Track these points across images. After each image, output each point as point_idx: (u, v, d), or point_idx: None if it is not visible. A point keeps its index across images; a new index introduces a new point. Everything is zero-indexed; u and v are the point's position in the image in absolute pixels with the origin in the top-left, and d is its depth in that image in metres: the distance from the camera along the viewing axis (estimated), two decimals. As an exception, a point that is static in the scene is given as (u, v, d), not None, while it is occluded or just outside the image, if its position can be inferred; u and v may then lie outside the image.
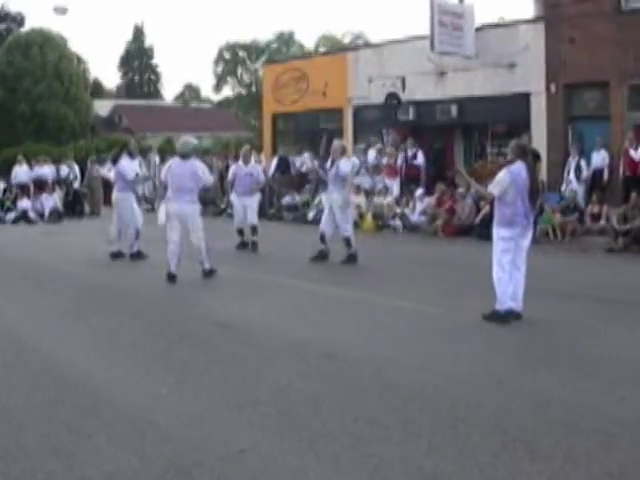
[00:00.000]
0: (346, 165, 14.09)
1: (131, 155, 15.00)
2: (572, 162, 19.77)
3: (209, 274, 12.49)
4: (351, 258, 13.96)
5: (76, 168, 28.62)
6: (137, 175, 15.05)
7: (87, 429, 5.54)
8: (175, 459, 4.98)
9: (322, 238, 14.16)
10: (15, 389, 6.54)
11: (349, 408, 5.95)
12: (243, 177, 16.05)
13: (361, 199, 21.53)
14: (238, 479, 4.72)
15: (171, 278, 12.19)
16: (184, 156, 12.46)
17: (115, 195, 14.91)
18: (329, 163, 14.21)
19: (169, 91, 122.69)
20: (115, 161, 14.91)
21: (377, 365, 7.21)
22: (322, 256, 14.11)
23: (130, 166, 14.79)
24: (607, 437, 5.30)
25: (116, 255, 14.71)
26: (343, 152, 14.25)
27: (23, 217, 23.91)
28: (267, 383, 6.63)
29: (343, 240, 13.99)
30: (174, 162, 12.62)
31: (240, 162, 16.35)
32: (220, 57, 67.29)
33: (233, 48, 65.71)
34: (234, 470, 4.83)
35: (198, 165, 12.58)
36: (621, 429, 5.46)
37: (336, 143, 14.40)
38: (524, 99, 22.17)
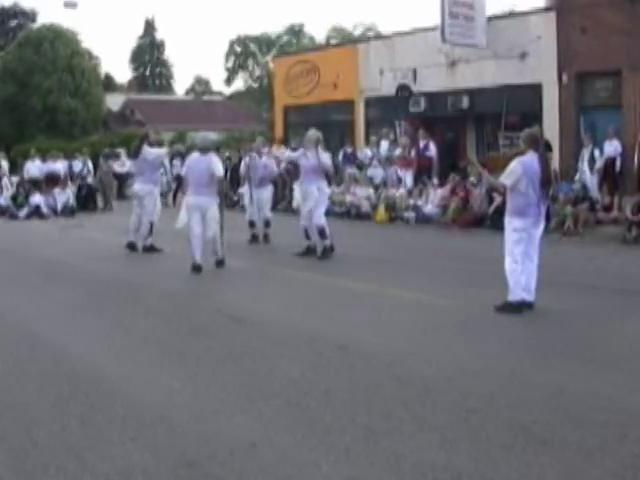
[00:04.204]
0: (327, 156, 14.09)
1: (151, 145, 15.00)
2: (585, 152, 19.68)
3: (220, 264, 12.68)
4: (326, 251, 13.67)
5: (89, 163, 28.70)
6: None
7: (99, 424, 5.55)
8: (187, 453, 4.99)
9: (306, 233, 14.00)
10: (28, 384, 6.56)
11: (361, 401, 5.94)
12: (258, 169, 16.02)
13: (370, 191, 21.54)
14: (250, 473, 4.71)
15: (196, 269, 12.33)
16: (203, 150, 12.70)
17: (139, 187, 14.80)
18: (299, 153, 14.17)
19: (181, 85, 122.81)
20: (136, 153, 14.86)
21: (390, 358, 7.19)
22: (309, 252, 13.91)
23: (157, 151, 14.87)
24: (620, 429, 5.27)
25: (131, 246, 14.77)
26: (317, 143, 13.85)
27: (36, 212, 23.97)
28: (279, 376, 6.62)
29: (317, 232, 13.69)
30: (193, 157, 12.81)
31: (254, 154, 16.29)
32: (231, 50, 67.39)
33: (244, 41, 65.78)
34: (245, 464, 4.82)
35: (213, 159, 12.77)
36: (634, 421, 5.43)
37: (311, 133, 14.07)
38: (536, 89, 22.09)
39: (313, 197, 13.66)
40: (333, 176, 13.99)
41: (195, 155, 12.81)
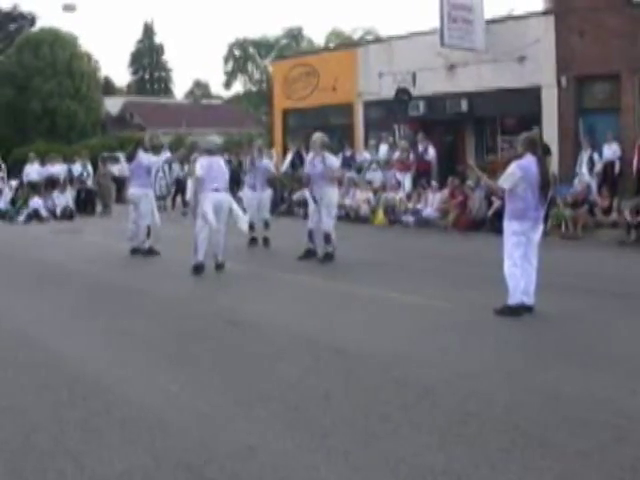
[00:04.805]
0: (334, 160, 13.99)
1: (146, 150, 15.06)
2: (584, 155, 19.70)
3: (221, 267, 12.73)
4: (328, 256, 13.64)
5: (89, 166, 28.70)
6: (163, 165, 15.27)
7: (98, 428, 5.54)
8: (185, 457, 4.98)
9: (310, 236, 13.96)
10: (26, 388, 6.55)
11: (359, 404, 5.94)
12: (259, 171, 16.02)
13: (369, 194, 21.55)
14: (248, 476, 4.71)
15: (199, 268, 12.39)
16: (212, 153, 12.90)
17: (133, 191, 14.90)
18: (309, 158, 14.15)
19: (180, 88, 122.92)
20: (131, 158, 14.99)
21: (388, 361, 7.19)
22: (309, 255, 13.90)
23: (149, 158, 14.88)
24: (618, 431, 5.27)
25: (136, 251, 14.79)
26: (323, 146, 13.86)
27: (35, 215, 23.98)
28: (277, 379, 6.62)
29: (323, 236, 13.68)
30: (206, 159, 12.84)
31: (255, 156, 16.27)
32: (230, 54, 67.35)
33: (243, 45, 65.75)
34: (244, 467, 4.82)
35: (223, 161, 13.38)
36: (632, 423, 5.43)
37: (316, 136, 14.03)
38: (535, 92, 22.14)
39: (324, 202, 13.63)
40: (338, 179, 13.89)
41: (207, 157, 12.84)
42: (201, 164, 12.78)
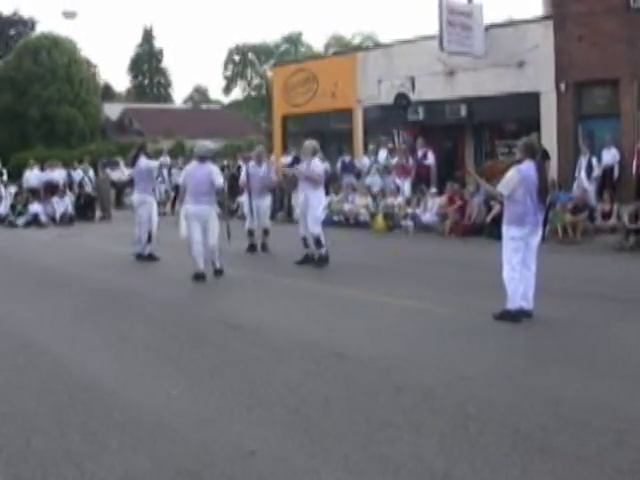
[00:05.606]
0: (316, 166, 13.94)
1: (148, 156, 15.16)
2: (583, 160, 19.69)
3: (219, 273, 12.70)
4: (322, 260, 13.69)
5: (90, 172, 28.73)
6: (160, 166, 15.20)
7: (98, 431, 5.55)
8: (185, 461, 4.99)
9: (304, 242, 14.02)
10: (26, 392, 6.56)
11: (359, 408, 5.95)
12: (258, 178, 15.99)
13: (368, 200, 21.56)
14: (248, 480, 4.73)
15: (200, 277, 12.36)
16: (201, 159, 12.71)
17: (135, 197, 15.07)
18: (303, 164, 14.21)
19: (179, 94, 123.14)
20: (133, 163, 15.09)
21: (388, 365, 7.20)
22: (308, 260, 13.93)
23: (149, 163, 14.91)
24: (618, 435, 5.27)
25: (140, 256, 14.86)
26: (314, 153, 13.94)
27: (34, 221, 24.00)
28: (277, 384, 6.63)
29: (313, 241, 13.73)
30: (191, 166, 12.83)
31: (253, 163, 16.25)
32: (229, 59, 67.53)
33: (242, 50, 65.93)
34: (244, 471, 4.82)
35: (213, 168, 12.80)
36: (632, 427, 5.44)
37: (307, 143, 14.16)
38: (534, 98, 22.13)
39: (308, 206, 13.69)
40: (320, 182, 13.87)
41: (194, 163, 12.81)
42: (184, 173, 12.88)
